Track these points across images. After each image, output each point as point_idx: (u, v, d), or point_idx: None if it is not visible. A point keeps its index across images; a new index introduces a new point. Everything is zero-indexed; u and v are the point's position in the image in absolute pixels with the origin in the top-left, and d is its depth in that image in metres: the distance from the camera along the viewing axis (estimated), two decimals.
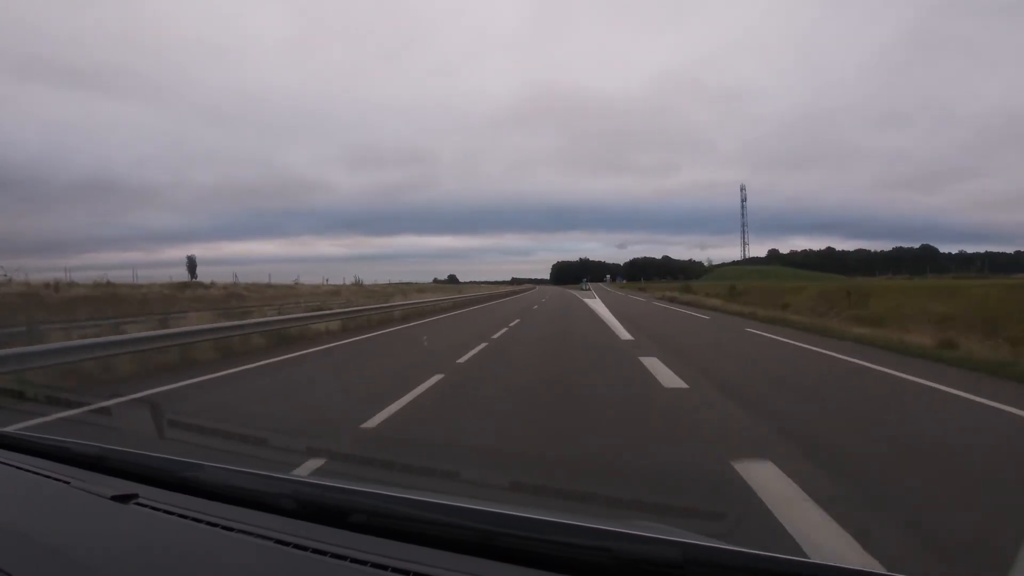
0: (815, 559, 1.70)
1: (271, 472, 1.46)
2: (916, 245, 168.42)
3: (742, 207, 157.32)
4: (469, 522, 1.18)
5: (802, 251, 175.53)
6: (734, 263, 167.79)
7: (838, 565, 1.00)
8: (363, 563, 1.07)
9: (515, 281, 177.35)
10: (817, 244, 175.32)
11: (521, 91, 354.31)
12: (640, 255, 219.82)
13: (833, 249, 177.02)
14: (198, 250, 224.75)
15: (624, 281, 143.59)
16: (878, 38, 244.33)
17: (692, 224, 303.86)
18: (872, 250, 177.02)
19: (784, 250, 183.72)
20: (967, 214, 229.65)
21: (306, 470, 3.08)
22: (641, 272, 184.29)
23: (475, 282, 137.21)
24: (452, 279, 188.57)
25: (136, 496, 1.36)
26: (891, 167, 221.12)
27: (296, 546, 1.13)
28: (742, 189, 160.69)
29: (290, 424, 5.07)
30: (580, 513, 1.30)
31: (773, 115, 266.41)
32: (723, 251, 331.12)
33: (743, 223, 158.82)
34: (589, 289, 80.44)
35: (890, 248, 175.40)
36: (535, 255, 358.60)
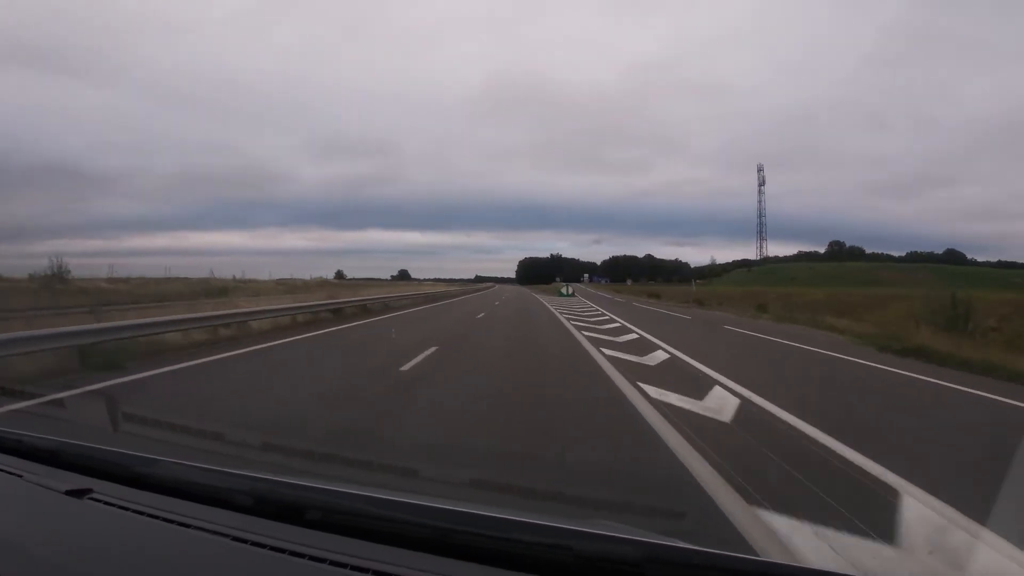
0: (769, 558, 2.10)
1: (227, 468, 1.44)
2: (939, 251, 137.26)
3: (759, 192, 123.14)
4: (429, 520, 1.17)
5: (808, 252, 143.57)
6: (737, 263, 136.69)
7: (792, 564, 1.11)
8: (321, 561, 1.06)
9: (478, 279, 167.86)
10: (790, 249, 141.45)
11: (491, 80, 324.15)
12: (613, 254, 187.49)
13: (842, 245, 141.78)
14: (164, 240, 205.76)
15: (629, 282, 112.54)
16: (867, 36, 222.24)
17: (667, 224, 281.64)
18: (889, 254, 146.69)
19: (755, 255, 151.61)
20: (949, 223, 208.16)
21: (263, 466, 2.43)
22: (624, 272, 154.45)
23: (432, 279, 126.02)
24: (403, 275, 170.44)
25: (91, 491, 1.33)
26: (875, 171, 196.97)
27: (253, 543, 1.12)
28: (759, 170, 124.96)
29: None
30: (541, 512, 1.34)
31: (754, 114, 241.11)
32: (700, 252, 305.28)
33: (760, 212, 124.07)
34: (573, 294, 47.73)
35: (903, 254, 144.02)
36: (503, 253, 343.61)
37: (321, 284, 57.18)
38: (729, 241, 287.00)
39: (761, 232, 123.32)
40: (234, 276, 59.64)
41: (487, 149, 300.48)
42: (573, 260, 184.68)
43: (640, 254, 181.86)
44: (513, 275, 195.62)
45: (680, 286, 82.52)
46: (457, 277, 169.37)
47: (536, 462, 3.82)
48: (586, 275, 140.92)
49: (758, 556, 2.13)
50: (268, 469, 1.65)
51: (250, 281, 55.85)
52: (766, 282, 67.41)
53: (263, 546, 1.10)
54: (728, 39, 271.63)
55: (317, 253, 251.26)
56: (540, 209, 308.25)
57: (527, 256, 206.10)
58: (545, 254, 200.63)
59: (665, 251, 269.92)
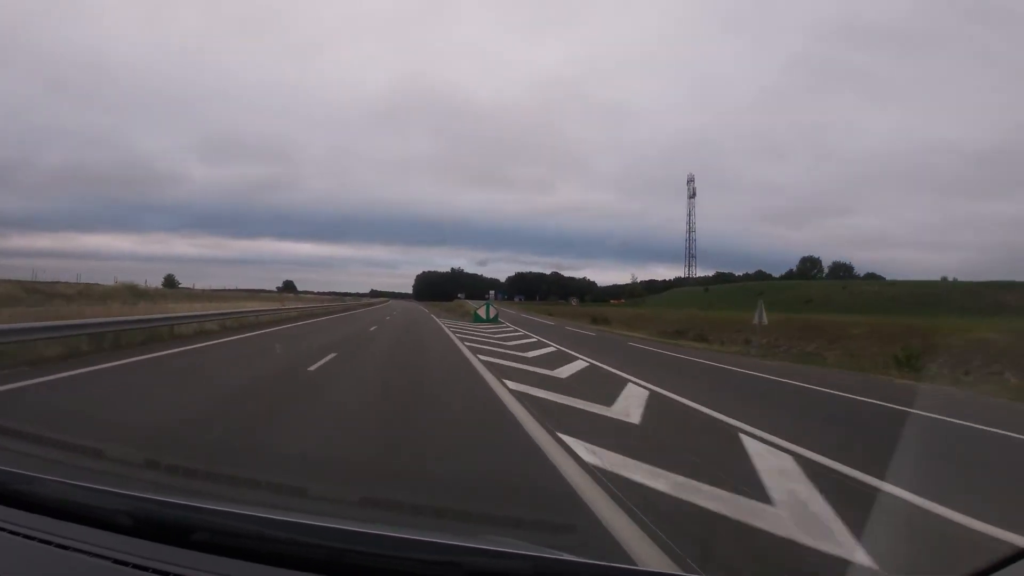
0: (652, 567, 2.20)
1: (108, 486, 1.35)
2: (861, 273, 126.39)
3: (690, 205, 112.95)
4: (318, 540, 1.13)
5: (724, 273, 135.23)
6: (667, 283, 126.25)
7: (672, 573, 1.13)
8: None
9: (373, 293, 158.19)
10: (675, 273, 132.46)
11: (394, 86, 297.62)
12: (518, 271, 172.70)
13: (817, 262, 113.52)
14: (46, 241, 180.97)
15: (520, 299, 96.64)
16: (770, 70, 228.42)
17: (569, 244, 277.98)
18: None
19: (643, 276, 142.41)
20: (840, 249, 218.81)
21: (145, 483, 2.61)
22: (533, 289, 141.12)
23: (328, 292, 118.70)
24: (289, 286, 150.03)
25: None
26: (772, 198, 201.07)
27: (135, 566, 1.06)
28: (690, 182, 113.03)
29: None
30: (432, 528, 1.30)
31: (658, 139, 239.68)
32: (598, 272, 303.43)
33: (690, 226, 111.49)
34: (496, 317, 29.32)
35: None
36: (400, 268, 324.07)
37: (103, 295, 36.47)
38: (623, 262, 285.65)
39: (690, 249, 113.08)
40: None
41: (386, 160, 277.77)
42: (476, 276, 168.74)
43: (538, 272, 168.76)
44: (410, 290, 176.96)
45: (603, 307, 69.08)
46: (352, 291, 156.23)
47: None
48: (492, 292, 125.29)
49: (643, 566, 2.24)
50: (151, 488, 1.57)
51: None
52: (750, 305, 53.80)
53: (146, 569, 1.04)
54: (634, 63, 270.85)
55: (208, 261, 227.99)
56: (439, 224, 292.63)
57: (425, 270, 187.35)
58: (444, 269, 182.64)
59: (567, 270, 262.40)
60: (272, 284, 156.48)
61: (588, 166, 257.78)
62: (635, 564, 2.34)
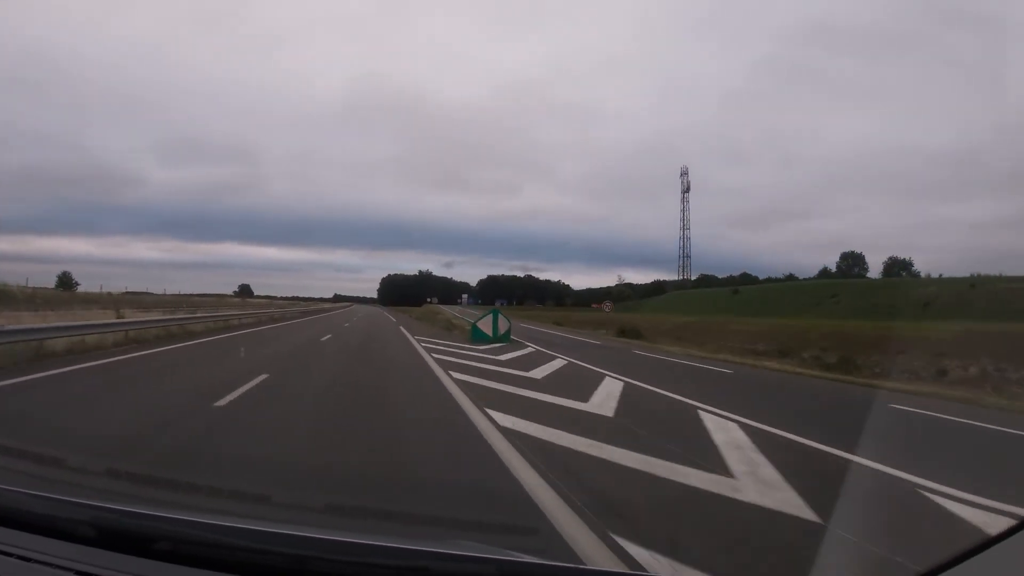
0: (616, 569, 2.10)
1: (68, 496, 1.33)
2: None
3: (683, 200, 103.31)
4: (282, 548, 1.11)
5: (726, 277, 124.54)
6: (653, 285, 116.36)
7: (640, 574, 1.11)
8: None
9: (337, 298, 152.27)
10: (647, 277, 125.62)
11: (359, 87, 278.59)
12: (489, 274, 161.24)
13: (906, 264, 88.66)
14: (5, 244, 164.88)
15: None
16: (738, 73, 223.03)
17: (536, 247, 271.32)
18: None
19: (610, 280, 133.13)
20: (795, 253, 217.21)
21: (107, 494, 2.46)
22: (507, 293, 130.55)
23: (290, 298, 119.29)
24: (245, 290, 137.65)
25: None
26: (736, 202, 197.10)
27: None
28: (683, 175, 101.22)
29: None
30: (397, 534, 1.32)
31: (623, 142, 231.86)
32: (566, 275, 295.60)
33: (684, 223, 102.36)
34: (508, 334, 17.93)
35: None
36: (365, 273, 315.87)
37: None
38: (591, 265, 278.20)
39: (685, 249, 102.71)
40: None
41: (350, 162, 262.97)
42: (446, 279, 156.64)
43: (510, 275, 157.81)
44: (375, 295, 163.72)
45: (593, 312, 59.36)
46: (316, 296, 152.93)
47: None
48: (464, 295, 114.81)
49: (608, 568, 2.22)
50: (113, 497, 1.55)
51: None
52: (811, 311, 43.37)
53: None
54: (602, 66, 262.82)
55: (170, 265, 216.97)
56: (404, 228, 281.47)
57: (391, 273, 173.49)
58: (410, 272, 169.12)
59: (535, 272, 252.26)
60: (226, 288, 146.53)
61: (556, 169, 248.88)
62: (583, 563, 2.24)
